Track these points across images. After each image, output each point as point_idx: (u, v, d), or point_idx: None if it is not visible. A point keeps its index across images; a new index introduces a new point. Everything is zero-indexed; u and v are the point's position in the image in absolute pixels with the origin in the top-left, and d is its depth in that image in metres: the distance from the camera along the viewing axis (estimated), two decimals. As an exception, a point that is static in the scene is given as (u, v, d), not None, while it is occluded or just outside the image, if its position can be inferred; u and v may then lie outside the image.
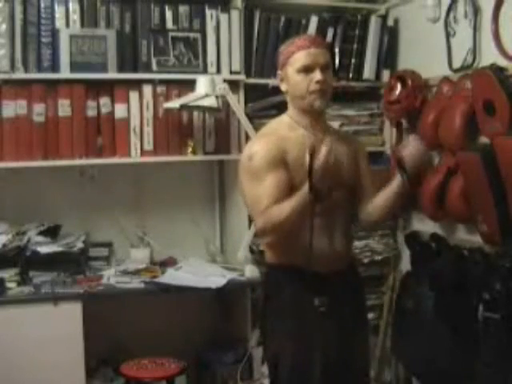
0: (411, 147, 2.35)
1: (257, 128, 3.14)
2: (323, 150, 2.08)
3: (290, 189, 2.25)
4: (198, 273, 3.27)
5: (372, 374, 3.61)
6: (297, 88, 2.31)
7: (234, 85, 3.26)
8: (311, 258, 2.27)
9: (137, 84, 3.22)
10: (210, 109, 3.18)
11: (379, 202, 2.44)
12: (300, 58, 2.29)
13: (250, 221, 3.11)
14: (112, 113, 3.18)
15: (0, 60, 2.98)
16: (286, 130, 2.35)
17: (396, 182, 2.38)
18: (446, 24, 3.11)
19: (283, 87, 2.38)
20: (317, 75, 2.27)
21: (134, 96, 3.21)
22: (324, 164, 2.07)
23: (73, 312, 2.93)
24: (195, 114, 3.31)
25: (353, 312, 2.42)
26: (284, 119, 2.40)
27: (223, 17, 3.31)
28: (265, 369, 3.09)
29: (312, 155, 2.08)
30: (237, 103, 3.22)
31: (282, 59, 2.35)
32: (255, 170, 2.27)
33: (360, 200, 2.48)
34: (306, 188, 2.12)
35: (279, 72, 2.39)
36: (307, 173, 2.08)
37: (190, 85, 3.16)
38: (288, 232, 2.28)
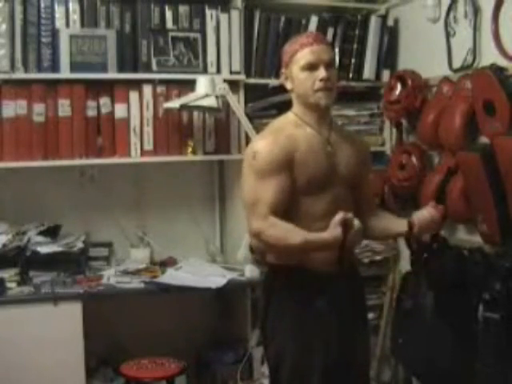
0: (427, 216, 2.41)
1: (257, 128, 3.15)
2: (357, 227, 2.18)
3: (291, 192, 2.26)
4: (198, 273, 3.27)
5: (372, 373, 3.61)
6: (302, 86, 2.30)
7: (234, 85, 3.26)
8: (314, 258, 2.30)
9: (137, 84, 3.22)
10: (209, 109, 3.18)
11: (378, 228, 2.50)
12: (304, 55, 2.28)
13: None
14: (112, 113, 3.18)
15: (0, 60, 2.98)
16: (292, 128, 2.33)
17: (400, 229, 2.45)
18: (446, 24, 3.11)
19: (288, 86, 2.36)
20: (321, 73, 2.26)
21: (134, 96, 3.21)
22: (357, 239, 2.21)
23: (73, 312, 2.93)
24: (195, 114, 3.31)
25: (354, 312, 2.42)
26: (290, 117, 2.38)
27: (223, 17, 3.31)
28: (265, 369, 3.09)
29: (345, 228, 2.15)
30: (237, 103, 3.22)
31: (286, 58, 2.34)
32: (258, 169, 2.25)
33: (358, 209, 2.44)
34: (326, 236, 2.17)
35: (283, 71, 2.38)
36: (339, 246, 2.18)
37: (190, 85, 3.16)
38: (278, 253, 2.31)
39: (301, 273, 2.30)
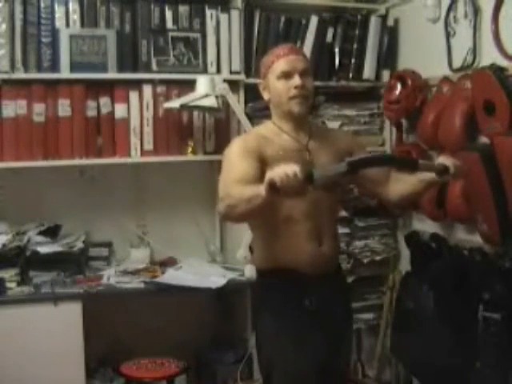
0: (451, 159, 2.29)
1: (257, 128, 3.15)
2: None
3: (257, 179, 2.19)
4: (198, 273, 3.27)
5: (372, 373, 3.62)
6: (277, 94, 2.36)
7: (234, 85, 3.26)
8: (301, 260, 2.33)
9: (137, 84, 3.22)
10: (210, 109, 3.18)
11: (407, 188, 2.38)
12: (279, 65, 2.34)
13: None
14: (112, 113, 3.18)
15: (0, 60, 2.98)
16: (270, 135, 2.39)
17: (428, 176, 2.30)
18: (446, 24, 3.11)
19: (265, 96, 2.43)
20: (295, 81, 2.32)
21: (134, 96, 3.21)
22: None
23: (73, 312, 2.93)
24: (195, 113, 3.31)
25: (340, 314, 2.45)
26: (269, 125, 2.45)
27: (223, 17, 3.31)
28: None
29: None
30: (237, 103, 3.22)
31: (264, 69, 2.41)
32: (230, 156, 2.30)
33: (377, 185, 2.44)
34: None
35: (261, 81, 2.44)
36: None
37: (190, 85, 3.16)
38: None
39: (287, 274, 2.34)
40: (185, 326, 3.44)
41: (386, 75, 3.55)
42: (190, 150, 3.29)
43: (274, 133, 2.39)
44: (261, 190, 2.00)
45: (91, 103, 3.14)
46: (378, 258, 3.55)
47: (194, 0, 3.28)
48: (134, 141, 3.21)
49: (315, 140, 2.41)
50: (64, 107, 3.09)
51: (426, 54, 3.27)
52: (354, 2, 3.61)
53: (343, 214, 3.46)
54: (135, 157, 3.23)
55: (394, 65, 3.55)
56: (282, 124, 2.40)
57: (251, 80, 3.35)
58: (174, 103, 3.17)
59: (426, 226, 3.28)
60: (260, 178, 2.15)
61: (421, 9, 3.24)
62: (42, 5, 3.06)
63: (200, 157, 3.34)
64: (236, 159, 2.28)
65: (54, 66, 3.09)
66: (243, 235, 3.21)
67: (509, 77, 2.68)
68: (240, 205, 2.10)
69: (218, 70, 3.32)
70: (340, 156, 2.40)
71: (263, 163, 2.27)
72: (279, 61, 2.34)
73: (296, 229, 2.33)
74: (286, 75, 2.33)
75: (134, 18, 3.21)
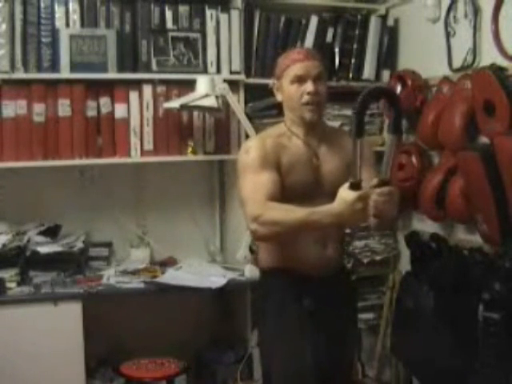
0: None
1: (257, 128, 3.15)
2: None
3: (282, 190, 2.27)
4: (198, 273, 3.28)
5: (372, 373, 3.62)
6: (290, 99, 2.36)
7: (234, 85, 3.26)
8: (305, 262, 2.34)
9: (137, 84, 3.22)
10: (210, 109, 3.18)
11: None
12: (294, 69, 2.34)
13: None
14: (112, 113, 3.18)
15: (0, 60, 2.98)
16: (281, 137, 2.39)
17: None
18: (446, 24, 3.11)
19: (279, 97, 2.44)
20: (308, 86, 2.32)
21: (133, 96, 3.21)
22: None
23: (73, 312, 2.93)
24: (195, 113, 3.31)
25: (343, 315, 2.45)
26: (281, 127, 2.45)
27: (223, 17, 3.31)
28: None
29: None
30: (237, 103, 3.22)
31: (278, 71, 2.41)
32: (252, 162, 2.30)
33: None
34: (333, 204, 2.13)
35: (275, 81, 2.44)
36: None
37: (190, 85, 3.17)
38: (280, 237, 2.26)
39: (289, 275, 2.35)
40: (185, 326, 3.44)
41: (386, 75, 3.55)
42: (190, 149, 3.29)
43: (286, 136, 2.39)
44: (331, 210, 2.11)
45: (91, 103, 3.14)
46: (377, 257, 3.55)
47: (193, 0, 3.28)
48: (134, 141, 3.21)
49: (324, 144, 2.41)
50: (64, 107, 3.09)
51: (426, 54, 3.28)
52: (354, 1, 3.61)
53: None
54: (135, 157, 3.23)
55: (394, 65, 3.55)
56: (294, 127, 2.40)
57: (251, 80, 3.35)
58: (174, 103, 3.16)
59: (425, 226, 3.28)
60: (281, 184, 2.26)
61: (421, 9, 3.24)
62: (42, 5, 3.06)
63: (200, 157, 3.34)
64: (259, 168, 2.27)
65: (54, 66, 3.09)
66: (243, 235, 3.22)
67: (509, 77, 2.69)
68: (285, 224, 2.17)
69: (218, 70, 3.31)
70: (346, 162, 2.40)
71: (279, 167, 2.30)
72: (294, 65, 2.34)
73: (298, 234, 2.32)
74: (300, 79, 2.33)
75: (134, 18, 3.21)
